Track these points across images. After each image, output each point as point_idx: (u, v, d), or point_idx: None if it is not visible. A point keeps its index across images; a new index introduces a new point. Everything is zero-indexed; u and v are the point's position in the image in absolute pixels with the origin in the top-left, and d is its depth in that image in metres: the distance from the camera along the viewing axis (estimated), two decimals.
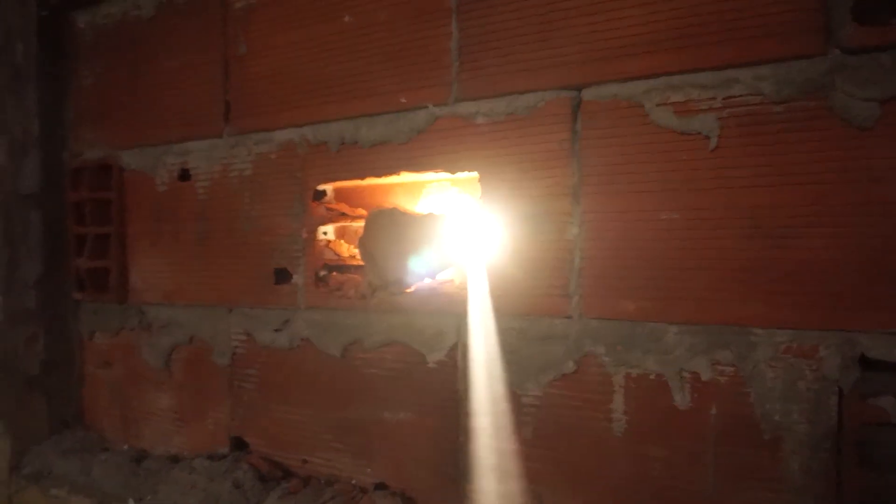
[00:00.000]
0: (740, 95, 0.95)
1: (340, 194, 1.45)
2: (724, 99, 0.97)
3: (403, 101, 1.23)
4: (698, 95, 0.99)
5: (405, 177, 1.27)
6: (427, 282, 1.26)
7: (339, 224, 1.43)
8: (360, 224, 1.34)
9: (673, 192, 1.01)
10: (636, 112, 1.03)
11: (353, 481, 1.31)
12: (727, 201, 0.97)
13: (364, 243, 1.30)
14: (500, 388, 1.14)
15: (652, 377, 1.03)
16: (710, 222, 0.99)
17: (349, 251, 1.42)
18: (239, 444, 1.48)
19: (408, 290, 1.25)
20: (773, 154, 0.94)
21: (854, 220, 0.90)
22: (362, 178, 1.29)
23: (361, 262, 1.33)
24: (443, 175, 1.22)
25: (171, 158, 1.56)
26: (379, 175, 1.27)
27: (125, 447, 1.65)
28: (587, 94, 1.07)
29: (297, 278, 1.38)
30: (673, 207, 1.01)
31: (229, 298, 1.49)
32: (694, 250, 1.00)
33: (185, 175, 1.54)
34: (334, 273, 1.39)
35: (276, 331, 1.41)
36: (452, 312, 1.19)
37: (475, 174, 1.17)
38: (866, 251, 0.89)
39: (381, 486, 1.27)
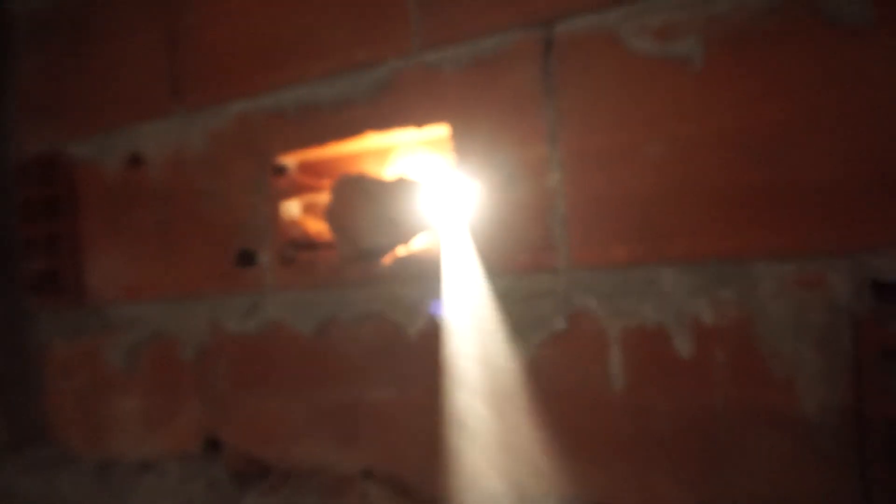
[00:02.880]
0: (725, 11, 0.88)
1: (305, 168, 1.35)
2: (706, 17, 0.89)
3: (362, 56, 1.15)
4: (678, 17, 0.91)
5: (371, 138, 1.18)
6: (402, 249, 1.18)
7: (304, 199, 1.33)
8: (327, 197, 1.25)
9: (657, 124, 0.94)
10: (613, 43, 0.96)
11: (339, 470, 1.21)
12: (715, 127, 0.90)
13: (332, 214, 1.21)
14: (487, 354, 1.05)
15: (650, 326, 0.95)
16: (699, 151, 0.91)
17: (317, 227, 1.33)
18: (213, 443, 1.38)
19: (382, 260, 1.17)
20: (762, 70, 0.87)
21: (853, 131, 0.83)
22: (324, 143, 1.20)
23: (331, 238, 1.24)
24: (411, 132, 1.13)
25: (120, 144, 1.46)
26: (342, 137, 1.18)
27: (92, 458, 1.54)
28: (559, 29, 1.00)
29: (263, 259, 1.29)
30: (658, 138, 0.94)
31: (193, 288, 1.39)
32: (684, 183, 0.93)
33: (136, 160, 1.43)
34: (303, 251, 1.30)
35: (245, 317, 1.31)
36: (431, 279, 1.11)
37: (445, 128, 1.09)
38: (869, 163, 0.82)
39: (368, 473, 1.17)
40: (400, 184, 1.17)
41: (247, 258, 1.31)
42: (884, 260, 0.83)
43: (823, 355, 0.86)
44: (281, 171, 1.30)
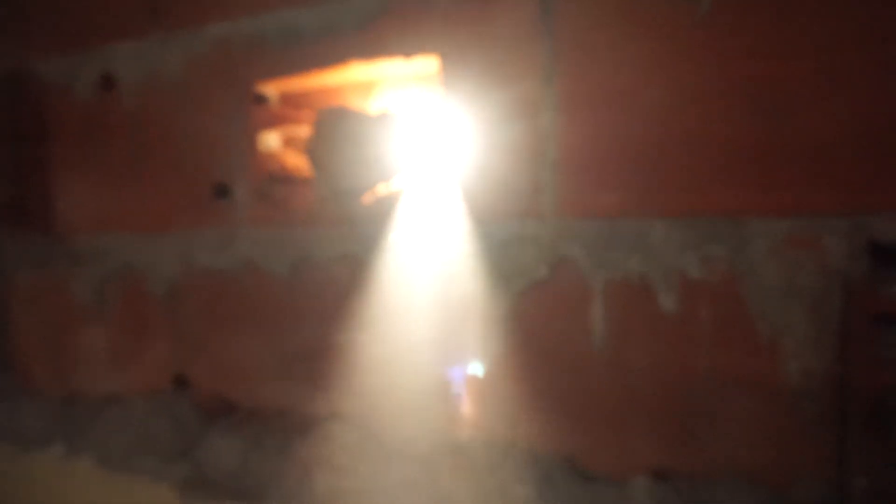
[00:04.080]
0: None
1: (287, 99, 1.28)
2: None
3: None
4: None
5: (356, 69, 1.11)
6: (384, 188, 1.12)
7: (284, 132, 1.27)
8: (307, 130, 1.19)
9: (659, 68, 0.88)
10: None
11: (307, 413, 1.18)
12: (720, 75, 0.85)
13: (312, 149, 1.15)
14: (464, 300, 1.01)
15: (635, 280, 0.91)
16: (701, 100, 0.86)
17: (296, 162, 1.27)
18: (181, 381, 1.34)
19: (362, 199, 1.11)
20: (776, 16, 0.81)
21: (867, 90, 0.78)
22: (306, 71, 1.13)
23: (309, 174, 1.18)
24: (398, 63, 1.07)
25: (92, 66, 1.38)
26: (325, 66, 1.11)
27: (57, 392, 1.50)
28: None
29: (239, 193, 1.23)
30: (659, 84, 0.88)
31: (165, 221, 1.33)
32: (682, 133, 0.88)
33: (108, 83, 1.36)
34: (280, 186, 1.24)
35: (217, 253, 1.26)
36: (413, 220, 1.06)
37: (435, 61, 1.03)
38: (880, 123, 0.78)
39: (336, 416, 1.14)
40: (384, 119, 1.11)
41: (221, 191, 1.25)
42: (883, 223, 0.79)
43: (812, 319, 0.83)
44: (261, 100, 1.23)
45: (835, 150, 0.80)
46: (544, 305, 0.97)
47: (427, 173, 1.05)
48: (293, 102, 1.26)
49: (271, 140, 1.24)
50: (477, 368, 1.01)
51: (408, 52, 1.04)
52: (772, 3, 0.81)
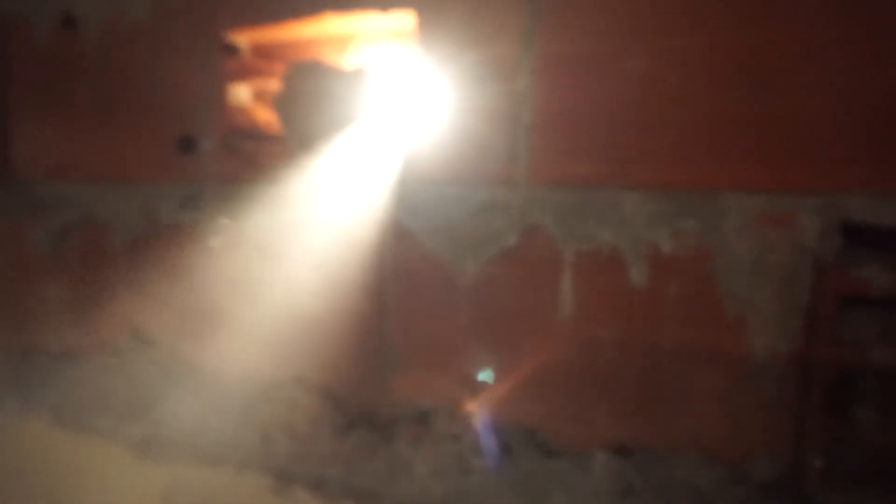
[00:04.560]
0: None
1: (258, 51, 1.23)
2: None
3: None
4: None
5: (330, 21, 1.06)
6: (355, 146, 1.08)
7: (255, 85, 1.22)
8: (279, 83, 1.14)
9: (640, 35, 0.85)
10: None
11: (269, 376, 1.16)
12: (703, 44, 0.82)
13: (283, 103, 1.11)
14: (432, 265, 0.99)
15: (606, 252, 0.90)
16: (682, 69, 0.83)
17: (266, 117, 1.22)
18: (142, 339, 1.31)
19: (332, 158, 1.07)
20: None
21: (850, 68, 0.76)
22: (279, 20, 1.08)
23: (279, 131, 1.14)
24: (374, 17, 1.02)
25: (53, 2, 1.30)
26: (299, 16, 1.06)
27: (12, 345, 1.46)
28: None
29: (205, 146, 1.18)
30: (639, 52, 0.85)
31: (128, 172, 1.28)
32: (660, 103, 0.85)
33: (69, 22, 1.29)
34: (249, 142, 1.19)
35: (181, 208, 1.22)
36: (382, 180, 1.03)
37: (412, 16, 0.98)
38: (859, 102, 0.76)
39: (300, 380, 1.12)
40: (358, 74, 1.07)
41: (187, 144, 1.20)
42: (857, 202, 0.77)
43: (780, 297, 0.82)
44: (231, 50, 1.17)
45: (814, 127, 0.78)
46: (513, 275, 0.95)
47: (400, 132, 1.02)
48: (265, 54, 1.21)
49: (241, 93, 1.19)
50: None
51: (384, 5, 0.99)
52: None
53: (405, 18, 1.00)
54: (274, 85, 1.20)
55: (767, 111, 0.80)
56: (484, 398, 0.97)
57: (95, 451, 1.08)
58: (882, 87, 0.75)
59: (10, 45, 1.37)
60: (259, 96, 1.22)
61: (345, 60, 1.16)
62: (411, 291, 1.02)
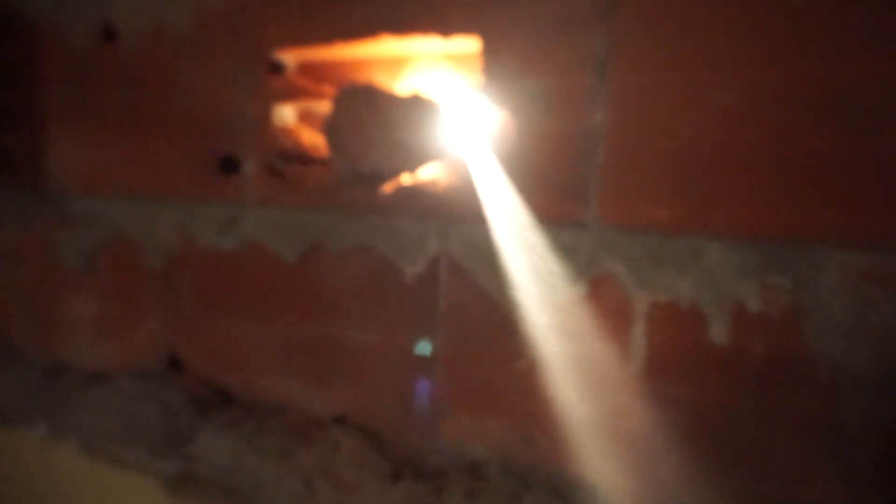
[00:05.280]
0: None
1: (305, 69, 1.17)
2: None
3: None
4: None
5: (385, 43, 1.00)
6: (408, 178, 1.03)
7: (301, 105, 1.16)
8: (327, 107, 1.08)
9: (731, 64, 0.78)
10: None
11: (307, 411, 1.11)
12: (803, 75, 0.75)
13: (332, 127, 1.05)
14: (490, 307, 0.93)
15: (684, 305, 0.83)
16: (777, 105, 0.76)
17: (312, 139, 1.16)
18: (173, 362, 1.26)
19: (384, 187, 1.02)
20: (871, 19, 0.71)
21: None
22: (331, 41, 1.02)
23: (326, 153, 1.08)
24: (434, 42, 0.96)
25: (91, 11, 1.25)
26: (353, 38, 1.00)
27: (41, 359, 1.42)
28: None
29: (248, 168, 1.13)
30: (730, 84, 0.78)
31: (165, 189, 1.23)
32: (751, 141, 0.78)
33: (108, 33, 1.24)
34: (293, 164, 1.14)
35: (220, 230, 1.17)
36: (437, 216, 0.97)
37: (476, 41, 0.92)
38: None
39: (340, 419, 1.07)
40: (414, 101, 1.01)
41: (229, 164, 1.15)
42: None
43: (880, 363, 0.75)
44: (277, 68, 1.12)
45: None
46: (580, 324, 0.89)
47: (458, 166, 0.96)
48: (313, 73, 1.15)
49: (286, 113, 1.14)
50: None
51: (446, 29, 0.93)
52: None
53: (467, 43, 0.94)
54: (322, 106, 1.14)
55: (873, 154, 0.73)
56: (541, 451, 0.91)
57: (127, 485, 1.03)
58: None
59: (45, 52, 1.32)
60: (304, 117, 1.17)
61: (399, 84, 1.10)
62: (465, 331, 0.96)
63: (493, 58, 0.91)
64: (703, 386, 0.83)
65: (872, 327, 0.75)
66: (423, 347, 0.98)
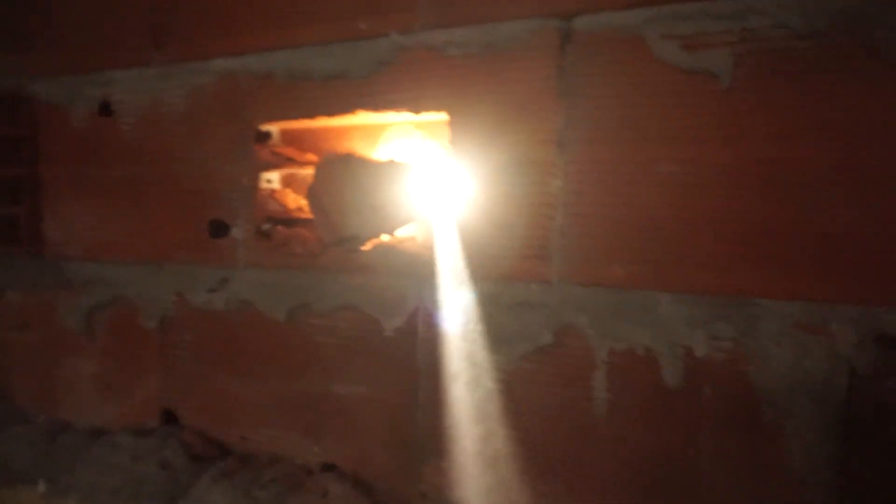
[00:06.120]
0: (761, 28, 0.81)
1: (288, 137, 1.27)
2: (741, 31, 0.82)
3: (363, 27, 1.06)
4: (710, 27, 0.84)
5: (361, 117, 1.10)
6: (386, 239, 1.11)
7: (285, 171, 1.25)
8: (310, 171, 1.17)
9: (675, 142, 0.87)
10: (636, 45, 0.88)
11: (299, 461, 1.16)
12: (738, 153, 0.84)
13: (315, 193, 1.13)
14: (465, 362, 1.00)
15: (640, 352, 0.91)
16: (717, 178, 0.85)
17: (297, 202, 1.25)
18: (170, 418, 1.32)
19: (364, 248, 1.10)
20: (798, 100, 0.81)
21: (885, 181, 0.77)
22: (313, 116, 1.11)
23: (311, 216, 1.16)
24: (406, 116, 1.05)
25: (90, 90, 1.34)
26: (332, 114, 1.09)
27: (42, 419, 1.47)
28: (578, 24, 0.92)
29: (237, 232, 1.21)
30: (674, 159, 0.87)
31: (160, 254, 1.30)
32: (696, 209, 0.87)
33: (106, 109, 1.33)
34: (280, 227, 1.22)
35: (212, 291, 1.24)
36: (414, 274, 1.04)
37: (444, 115, 1.01)
38: (891, 215, 0.77)
39: (330, 467, 1.13)
40: (389, 167, 1.10)
41: (220, 229, 1.23)
42: (892, 315, 0.78)
43: (817, 404, 0.82)
44: (263, 138, 1.21)
45: (849, 241, 0.79)
46: (547, 372, 0.96)
47: (433, 227, 1.04)
48: (296, 141, 1.24)
49: (272, 179, 1.22)
50: (475, 430, 0.99)
51: (415, 106, 1.02)
52: (794, 84, 0.80)
53: (436, 116, 1.03)
54: (304, 172, 1.23)
55: (802, 224, 0.81)
56: (518, 497, 0.97)
57: None
58: None
59: (47, 128, 1.41)
60: (289, 182, 1.25)
61: (375, 150, 1.19)
62: (442, 385, 1.03)
63: (461, 131, 1.00)
64: (662, 427, 0.90)
65: (809, 372, 0.83)
66: None
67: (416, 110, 1.02)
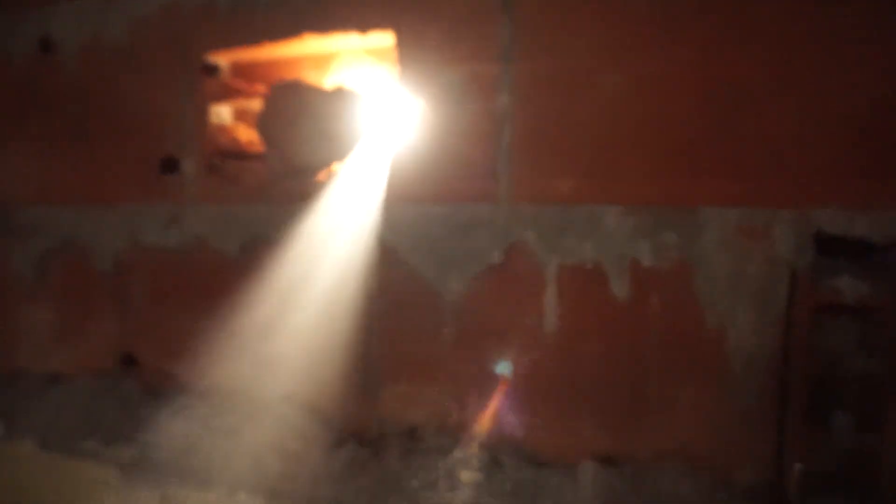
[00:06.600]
0: None
1: (238, 71, 1.23)
2: None
3: None
4: None
5: (309, 42, 1.07)
6: (337, 167, 1.09)
7: (236, 105, 1.22)
8: (260, 103, 1.15)
9: (618, 53, 0.87)
10: None
11: (257, 394, 1.16)
12: (679, 65, 0.84)
13: (265, 123, 1.11)
14: (417, 283, 1.00)
15: (588, 266, 0.91)
16: (658, 88, 0.85)
17: (249, 136, 1.22)
18: (129, 360, 1.30)
19: (316, 177, 1.08)
20: (733, 10, 0.80)
21: (823, 91, 0.78)
22: (258, 42, 1.08)
23: (262, 149, 1.14)
24: (353, 37, 1.03)
25: (30, 28, 1.30)
26: (278, 38, 1.06)
27: None
28: None
29: (188, 167, 1.18)
30: (617, 70, 0.87)
31: (110, 194, 1.27)
32: (639, 120, 0.87)
33: (46, 45, 1.28)
34: (231, 161, 1.20)
35: (165, 229, 1.22)
36: (366, 200, 1.03)
37: (391, 35, 0.99)
38: (831, 122, 0.78)
39: (287, 398, 1.13)
40: (339, 94, 1.08)
41: (169, 165, 1.20)
42: (829, 216, 0.80)
43: (758, 308, 0.84)
44: (212, 71, 1.18)
45: (786, 145, 0.80)
46: (498, 290, 0.96)
47: (382, 152, 1.03)
48: (245, 74, 1.21)
49: (222, 113, 1.19)
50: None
51: (363, 26, 1.00)
52: None
53: (384, 38, 1.01)
54: (255, 105, 1.20)
55: (742, 131, 0.82)
56: (471, 412, 0.98)
57: (84, 475, 1.08)
58: (850, 109, 0.77)
59: None
60: (241, 116, 1.23)
61: (325, 80, 1.16)
62: (396, 309, 1.03)
63: (407, 51, 0.98)
64: (612, 339, 0.91)
65: (750, 277, 0.84)
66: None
67: (363, 30, 1.00)
